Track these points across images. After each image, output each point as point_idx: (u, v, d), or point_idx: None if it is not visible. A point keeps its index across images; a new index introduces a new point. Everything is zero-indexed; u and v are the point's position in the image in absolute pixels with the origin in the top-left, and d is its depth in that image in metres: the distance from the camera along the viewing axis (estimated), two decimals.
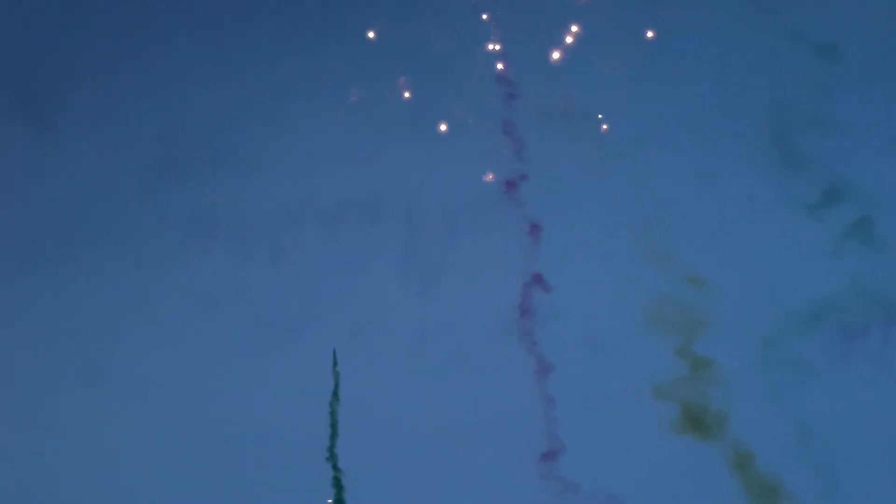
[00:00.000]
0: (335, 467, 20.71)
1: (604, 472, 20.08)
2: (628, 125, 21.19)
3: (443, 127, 21.12)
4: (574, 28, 20.95)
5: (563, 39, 21.06)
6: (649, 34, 21.18)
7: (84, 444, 21.44)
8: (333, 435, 20.80)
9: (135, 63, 22.16)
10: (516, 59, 21.21)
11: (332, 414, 20.86)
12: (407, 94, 21.14)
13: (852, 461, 19.56)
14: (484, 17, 21.15)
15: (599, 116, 21.06)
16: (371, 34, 21.09)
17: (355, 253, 21.47)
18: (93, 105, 22.25)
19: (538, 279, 20.70)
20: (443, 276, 21.30)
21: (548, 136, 21.17)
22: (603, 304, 20.78)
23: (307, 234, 21.66)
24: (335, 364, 20.97)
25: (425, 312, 21.30)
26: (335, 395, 20.91)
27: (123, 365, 21.61)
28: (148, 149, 22.05)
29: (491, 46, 21.15)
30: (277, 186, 21.79)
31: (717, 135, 21.00)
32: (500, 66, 21.10)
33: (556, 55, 20.96)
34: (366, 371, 21.17)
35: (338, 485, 20.63)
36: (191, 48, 22.10)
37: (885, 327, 20.17)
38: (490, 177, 20.90)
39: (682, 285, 20.52)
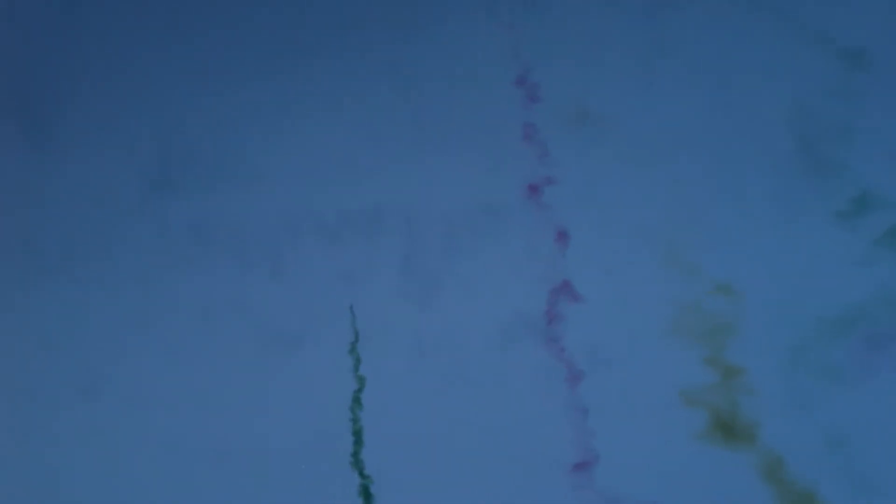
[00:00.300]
0: (362, 474, 20.44)
1: (631, 482, 19.92)
2: (651, 131, 21.06)
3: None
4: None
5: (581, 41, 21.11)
6: (667, 40, 21.12)
7: (83, 456, 21.19)
8: (357, 441, 20.56)
9: (134, 74, 22.05)
10: (534, 63, 21.20)
11: (355, 421, 20.61)
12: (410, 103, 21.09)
13: (884, 469, 19.29)
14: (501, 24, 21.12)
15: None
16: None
17: (356, 265, 21.31)
18: (92, 116, 22.10)
19: (566, 286, 20.57)
20: (443, 287, 21.18)
21: (568, 142, 21.12)
22: (627, 312, 20.68)
23: (308, 246, 21.50)
24: (357, 364, 20.77)
25: (426, 324, 21.18)
26: (357, 400, 20.67)
27: (122, 377, 21.39)
28: (147, 160, 21.89)
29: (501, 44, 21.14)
30: (278, 198, 21.66)
31: (743, 141, 20.78)
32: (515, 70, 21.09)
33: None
34: (367, 381, 21.05)
35: (366, 493, 20.35)
36: (191, 59, 22.03)
37: None
38: None
39: (710, 293, 20.42)
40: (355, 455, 20.53)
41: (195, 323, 21.23)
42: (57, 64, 21.90)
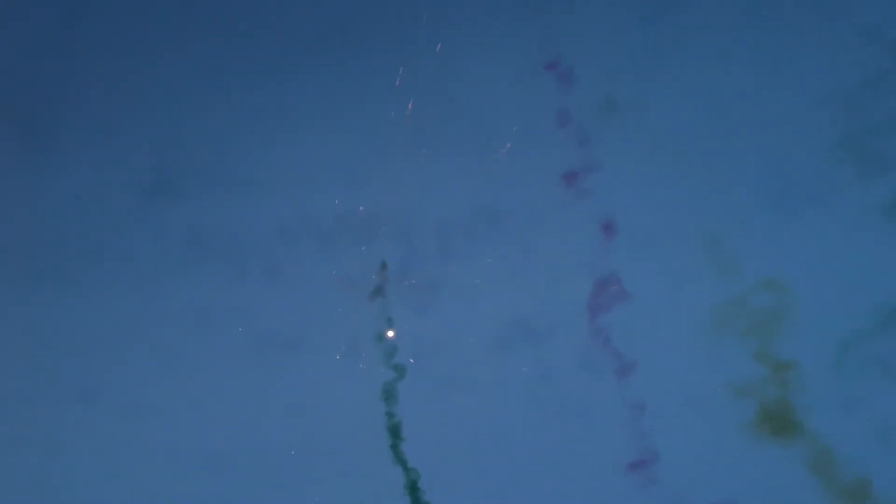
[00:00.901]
0: (406, 468, 20.32)
1: (681, 475, 19.78)
2: (690, 123, 20.87)
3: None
4: None
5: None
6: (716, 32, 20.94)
7: (80, 462, 21.40)
8: (396, 437, 20.40)
9: (131, 83, 22.20)
10: (564, 50, 20.94)
11: (391, 416, 20.52)
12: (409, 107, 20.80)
13: None
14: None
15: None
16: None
17: (352, 270, 21.21)
18: (89, 125, 22.30)
19: (614, 280, 20.13)
20: (439, 292, 20.99)
21: (603, 131, 20.76)
22: (671, 306, 20.39)
23: (303, 252, 21.45)
24: (398, 375, 20.75)
25: (422, 328, 21.02)
26: (391, 396, 20.54)
27: (120, 382, 21.59)
28: (144, 167, 22.05)
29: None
30: (273, 204, 21.63)
31: (787, 134, 20.65)
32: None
33: None
34: (362, 385, 20.97)
35: (413, 487, 20.21)
36: (187, 68, 22.15)
37: None
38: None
39: (755, 288, 20.35)
40: (396, 450, 20.40)
41: (192, 328, 21.35)
42: (55, 73, 22.04)
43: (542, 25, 20.91)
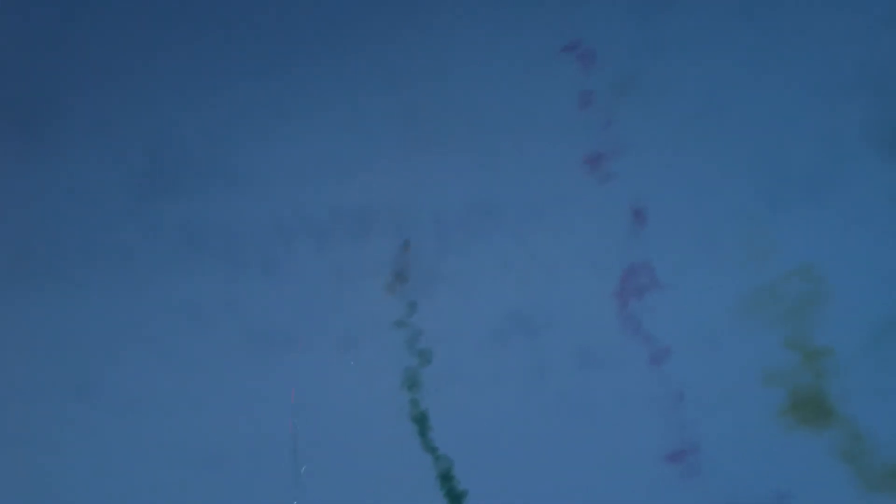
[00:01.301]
0: (437, 457, 20.11)
1: (714, 461, 19.71)
2: (720, 103, 20.43)
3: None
4: None
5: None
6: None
7: (75, 459, 21.23)
8: (423, 425, 20.22)
9: (125, 77, 22.03)
10: (582, 30, 20.63)
11: (415, 404, 20.40)
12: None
13: None
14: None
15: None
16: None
17: (347, 264, 21.25)
18: (84, 121, 22.11)
19: (645, 268, 20.12)
20: (436, 286, 21.11)
21: (634, 115, 20.43)
22: (703, 293, 20.26)
23: (299, 247, 21.45)
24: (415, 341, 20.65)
25: (418, 323, 21.10)
26: (415, 382, 20.42)
27: (114, 380, 21.42)
28: (138, 163, 21.89)
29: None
30: (268, 199, 21.59)
31: (816, 118, 20.23)
32: None
33: None
34: (359, 382, 21.00)
35: (447, 476, 20.00)
36: (181, 62, 21.99)
37: None
38: None
39: (788, 276, 20.02)
40: (425, 437, 20.28)
41: (187, 323, 21.23)
42: (49, 69, 21.89)
43: (559, 4, 20.84)
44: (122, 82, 21.85)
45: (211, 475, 20.73)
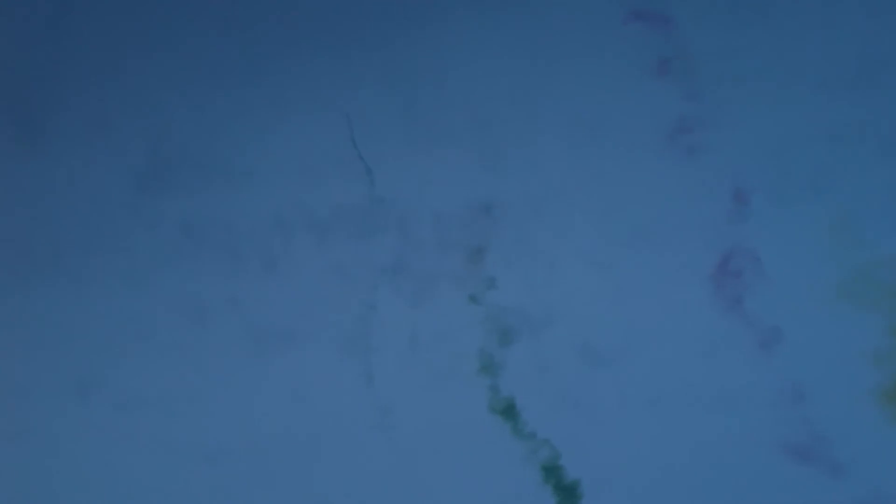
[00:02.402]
0: (537, 445, 19.61)
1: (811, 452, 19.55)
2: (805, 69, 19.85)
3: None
4: None
5: None
6: None
7: (75, 456, 21.13)
8: (511, 413, 19.76)
9: (124, 73, 21.92)
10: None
11: (494, 391, 20.13)
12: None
13: None
14: None
15: None
16: None
17: (349, 261, 21.26)
18: (82, 116, 21.95)
19: (746, 252, 19.88)
20: (437, 284, 21.09)
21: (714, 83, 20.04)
22: (797, 277, 20.06)
23: (300, 243, 21.46)
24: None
25: (419, 320, 21.08)
26: (491, 366, 19.99)
27: (114, 377, 21.28)
28: (138, 159, 21.78)
29: None
30: (270, 195, 21.61)
31: None
32: None
33: None
34: (360, 381, 21.01)
35: (554, 467, 19.46)
36: (180, 58, 21.92)
37: None
38: None
39: (885, 259, 19.73)
40: (516, 425, 19.96)
41: (187, 321, 21.18)
42: (46, 64, 21.84)
43: None
44: (122, 79, 21.78)
45: (211, 472, 20.73)
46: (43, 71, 21.81)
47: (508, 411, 20.18)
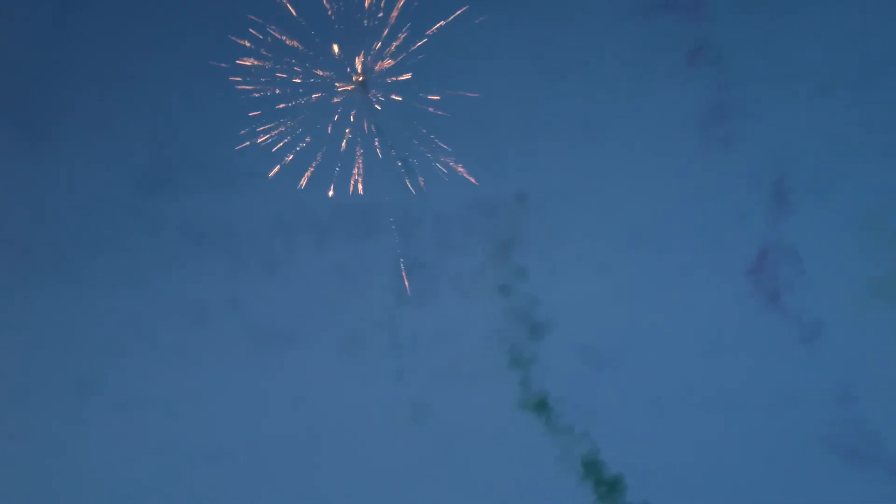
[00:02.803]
0: (575, 440, 19.56)
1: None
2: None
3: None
4: None
5: None
6: None
7: (76, 456, 21.14)
8: (545, 410, 19.45)
9: (126, 77, 21.99)
10: None
11: (527, 386, 19.91)
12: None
13: None
14: None
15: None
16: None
17: (349, 263, 21.12)
18: (86, 119, 22.11)
19: (785, 248, 19.46)
20: (437, 285, 20.94)
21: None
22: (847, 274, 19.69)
23: (300, 245, 21.36)
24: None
25: (419, 321, 20.91)
26: (522, 360, 19.89)
27: (116, 377, 21.40)
28: (139, 161, 21.88)
29: None
30: (270, 197, 21.45)
31: None
32: None
33: None
34: (361, 379, 20.84)
35: (593, 461, 19.40)
36: (183, 63, 21.91)
37: None
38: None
39: None
40: (549, 419, 19.71)
41: (189, 321, 21.21)
42: (52, 68, 21.87)
43: None
44: (125, 82, 21.84)
45: (212, 472, 20.64)
46: (46, 73, 21.92)
47: (541, 406, 19.83)
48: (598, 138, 20.70)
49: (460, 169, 20.37)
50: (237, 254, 21.31)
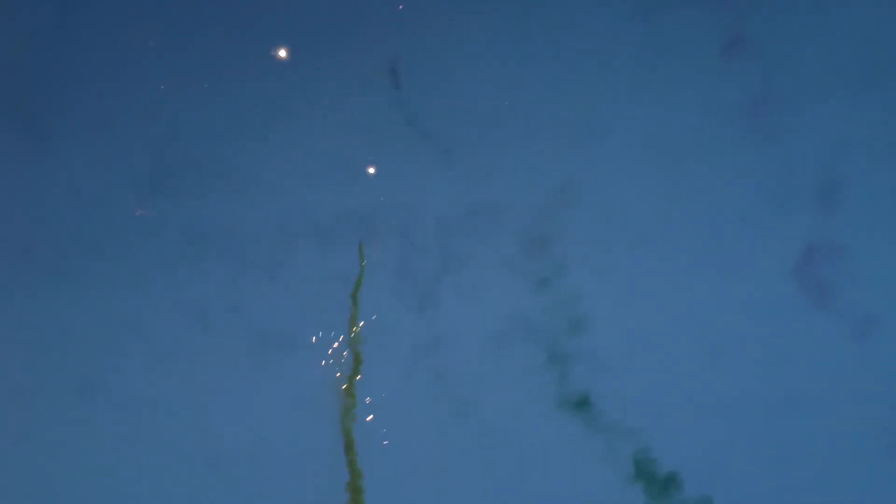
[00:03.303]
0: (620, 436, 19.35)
1: None
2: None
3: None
4: None
5: None
6: None
7: (77, 458, 21.13)
8: (586, 405, 19.62)
9: (129, 78, 21.94)
10: None
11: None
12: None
13: None
14: None
15: None
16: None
17: (351, 267, 21.17)
18: (88, 122, 22.03)
19: (832, 248, 19.22)
20: (440, 290, 20.99)
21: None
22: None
23: (302, 249, 21.38)
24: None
25: (422, 325, 20.96)
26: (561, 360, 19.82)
27: (117, 380, 21.35)
28: (141, 163, 21.82)
29: None
30: (272, 201, 21.49)
31: None
32: None
33: None
34: (363, 382, 20.89)
35: (645, 460, 19.40)
36: (184, 63, 21.88)
37: None
38: None
39: None
40: (589, 415, 19.64)
41: (189, 325, 21.17)
42: (54, 71, 21.81)
43: None
44: (126, 83, 21.79)
45: (212, 475, 20.66)
46: (47, 75, 21.80)
47: (582, 404, 19.66)
48: (626, 137, 20.59)
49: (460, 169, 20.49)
50: (239, 257, 21.30)
